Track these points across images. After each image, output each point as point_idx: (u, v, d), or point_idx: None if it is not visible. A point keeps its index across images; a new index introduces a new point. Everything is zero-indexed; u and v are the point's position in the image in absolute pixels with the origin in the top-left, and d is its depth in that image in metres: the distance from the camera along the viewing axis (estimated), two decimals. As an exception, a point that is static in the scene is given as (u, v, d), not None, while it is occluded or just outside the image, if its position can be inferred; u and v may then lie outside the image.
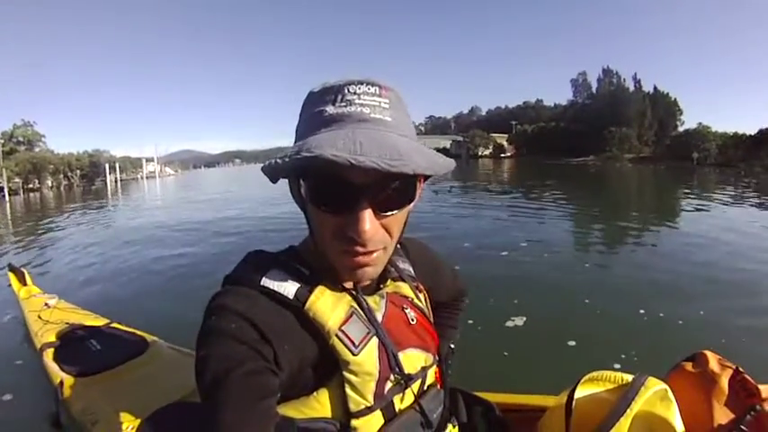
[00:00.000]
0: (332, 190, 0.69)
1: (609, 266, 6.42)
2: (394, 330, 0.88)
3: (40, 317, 3.39)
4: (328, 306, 0.80)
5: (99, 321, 3.29)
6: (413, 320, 0.93)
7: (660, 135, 49.98)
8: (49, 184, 54.19)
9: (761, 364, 2.87)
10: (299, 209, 0.80)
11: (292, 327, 0.77)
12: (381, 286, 0.93)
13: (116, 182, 56.73)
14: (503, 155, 66.71)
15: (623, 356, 3.37)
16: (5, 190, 37.47)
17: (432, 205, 14.64)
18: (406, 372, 0.87)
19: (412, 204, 0.77)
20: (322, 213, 0.72)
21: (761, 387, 1.12)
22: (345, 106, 0.69)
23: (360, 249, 0.72)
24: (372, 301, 0.88)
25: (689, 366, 1.21)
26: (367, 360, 0.80)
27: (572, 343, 3.71)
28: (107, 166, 59.10)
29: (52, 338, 2.99)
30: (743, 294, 4.70)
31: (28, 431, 2.83)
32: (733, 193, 16.69)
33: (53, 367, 2.67)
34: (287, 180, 0.81)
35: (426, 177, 0.81)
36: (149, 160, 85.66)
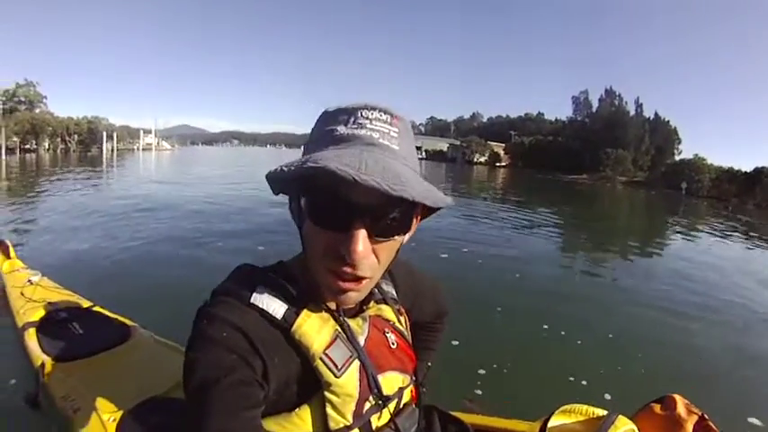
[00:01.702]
0: (331, 206, 0.70)
1: (586, 291, 6.37)
2: (375, 354, 0.90)
3: (22, 293, 3.36)
4: (314, 329, 0.81)
5: (82, 303, 3.24)
6: (393, 344, 0.97)
7: (656, 161, 50.06)
8: (46, 147, 53.97)
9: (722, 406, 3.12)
10: (296, 226, 0.81)
11: (280, 343, 0.78)
12: (365, 308, 0.95)
13: (112, 151, 56.68)
14: (498, 164, 66.87)
15: (595, 387, 3.39)
16: (3, 149, 36.46)
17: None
18: (384, 393, 0.90)
19: (406, 236, 0.79)
20: (317, 229, 0.73)
21: None
22: (356, 128, 0.71)
23: (348, 271, 0.73)
24: (356, 324, 0.90)
25: (657, 408, 1.23)
26: (348, 382, 0.82)
27: (546, 368, 3.74)
28: (104, 134, 58.56)
29: (34, 318, 2.95)
30: (710, 336, 4.74)
31: (5, 408, 2.78)
32: (720, 227, 16.78)
33: (34, 348, 2.66)
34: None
35: (423, 216, 0.84)
36: (147, 132, 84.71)
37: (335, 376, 0.81)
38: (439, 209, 0.80)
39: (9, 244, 4.25)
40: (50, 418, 2.36)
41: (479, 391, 3.34)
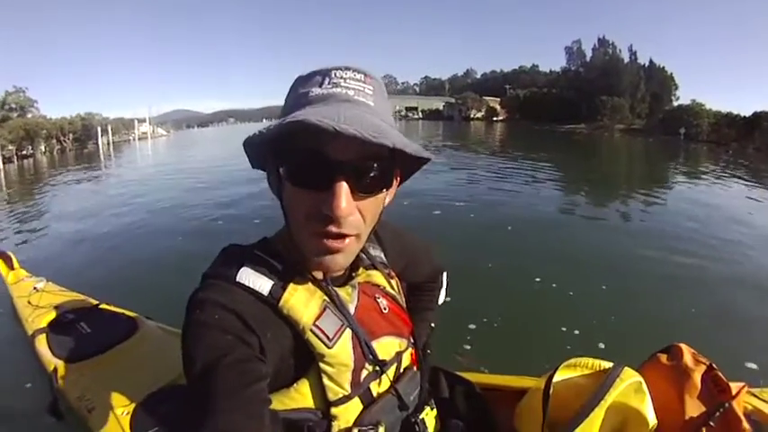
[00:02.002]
0: (311, 164, 0.70)
1: (580, 242, 6.38)
2: (367, 320, 0.90)
3: (29, 302, 3.38)
4: (302, 302, 0.81)
5: (88, 302, 3.27)
6: (385, 309, 0.96)
7: (654, 108, 49.48)
8: (42, 150, 53.15)
9: (726, 351, 3.09)
10: (277, 198, 0.80)
11: (271, 319, 0.79)
12: (354, 275, 0.95)
13: (108, 144, 56.56)
14: (495, 118, 66.61)
15: (602, 341, 3.36)
16: (0, 158, 36.19)
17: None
18: (380, 359, 0.91)
19: (387, 194, 0.80)
20: (298, 192, 0.73)
21: (731, 384, 1.15)
22: (331, 87, 0.72)
23: (333, 230, 0.72)
24: (345, 292, 0.90)
25: (663, 359, 1.24)
26: (341, 352, 0.83)
27: (552, 323, 3.71)
28: (99, 128, 58.59)
29: (43, 324, 2.97)
30: (718, 282, 4.67)
31: (29, 422, 2.79)
32: (720, 172, 16.18)
33: (46, 354, 2.67)
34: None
35: (403, 176, 0.85)
36: (141, 121, 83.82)
37: (328, 347, 0.82)
38: (419, 168, 0.85)
39: (11, 255, 4.24)
40: (69, 422, 2.38)
41: (470, 346, 3.37)
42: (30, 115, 58.52)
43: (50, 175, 24.14)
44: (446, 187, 10.61)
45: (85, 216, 9.93)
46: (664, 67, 54.69)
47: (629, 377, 1.12)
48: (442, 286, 1.44)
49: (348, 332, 0.86)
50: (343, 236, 0.75)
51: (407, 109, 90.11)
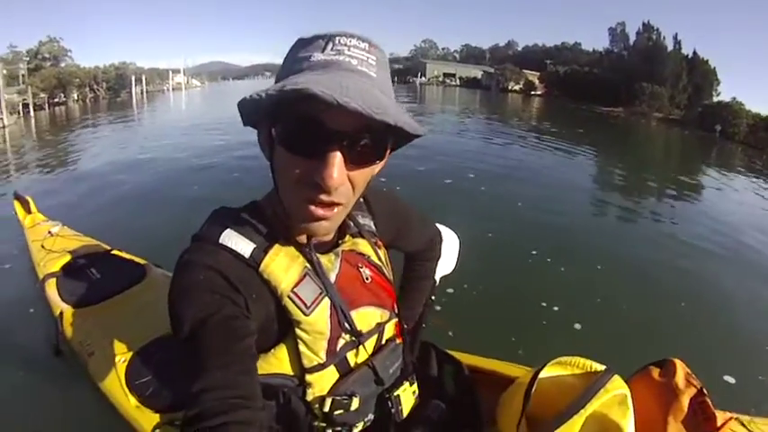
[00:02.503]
0: (306, 131, 0.70)
1: (610, 232, 6.41)
2: (347, 289, 0.93)
3: (43, 246, 3.48)
4: (282, 268, 0.84)
5: (101, 248, 3.42)
6: (367, 279, 0.99)
7: (693, 101, 48.27)
8: (75, 98, 53.12)
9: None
10: (267, 159, 0.82)
11: (255, 281, 0.83)
12: (339, 242, 0.99)
13: (142, 93, 56.83)
14: (533, 92, 65.48)
15: (602, 340, 3.36)
16: (30, 106, 36.63)
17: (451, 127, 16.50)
18: (358, 329, 0.94)
19: (379, 166, 0.82)
20: (291, 157, 0.74)
21: (718, 413, 1.17)
22: (334, 55, 0.72)
23: (323, 198, 0.74)
24: (327, 260, 0.92)
25: (656, 373, 1.24)
26: (318, 320, 0.86)
27: (555, 311, 3.75)
28: (133, 78, 58.37)
29: (54, 268, 3.08)
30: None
31: (30, 359, 2.96)
32: (754, 177, 15.47)
33: (54, 298, 2.79)
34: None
35: (393, 148, 0.85)
36: (176, 72, 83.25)
37: (305, 314, 0.84)
38: (412, 140, 0.84)
39: (30, 199, 4.38)
40: (70, 364, 2.56)
41: (466, 324, 3.34)
42: (63, 64, 58.63)
43: (81, 121, 24.73)
44: (466, 157, 10.62)
45: (108, 163, 10.22)
46: (707, 60, 53.18)
47: (616, 388, 1.11)
48: (439, 256, 1.44)
49: (326, 300, 0.88)
50: (331, 204, 0.77)
51: (445, 75, 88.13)
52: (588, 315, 3.73)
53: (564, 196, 7.97)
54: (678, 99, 49.86)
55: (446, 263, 1.63)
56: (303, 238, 0.89)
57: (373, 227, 1.10)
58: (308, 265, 0.88)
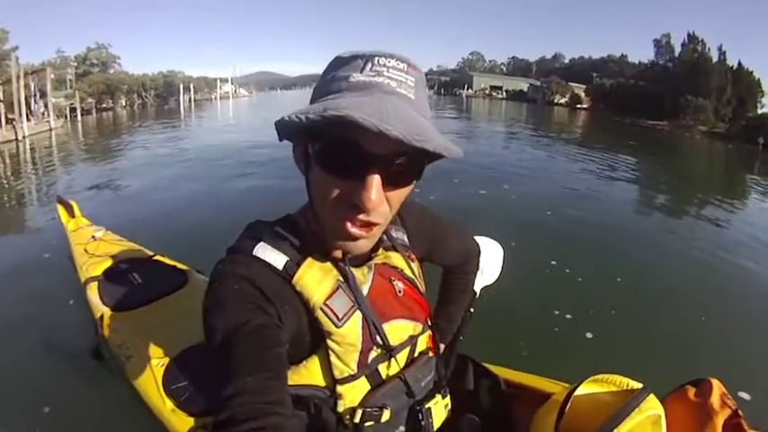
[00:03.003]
0: (345, 154, 0.72)
1: (654, 249, 6.18)
2: (380, 302, 0.95)
3: (86, 250, 3.49)
4: (315, 280, 0.86)
5: (144, 254, 3.45)
6: (400, 292, 1.00)
7: (738, 113, 47.24)
8: (123, 104, 54.93)
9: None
10: (301, 172, 0.85)
11: (288, 293, 0.85)
12: (372, 256, 1.00)
13: (189, 101, 58.11)
14: (578, 105, 65.42)
15: (643, 358, 3.29)
16: (78, 110, 37.94)
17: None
18: (390, 342, 0.96)
19: (415, 184, 0.82)
20: (329, 177, 0.75)
21: None
22: (374, 76, 0.73)
23: (361, 218, 0.77)
24: (360, 273, 0.94)
25: (691, 393, 1.18)
26: (350, 332, 0.88)
27: (595, 328, 3.72)
28: (181, 86, 59.23)
29: (97, 272, 3.10)
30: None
31: (70, 360, 3.01)
32: None
33: (95, 301, 2.82)
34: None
35: (430, 161, 0.83)
36: (224, 81, 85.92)
37: (336, 326, 0.86)
38: (445, 156, 0.78)
39: (74, 203, 4.42)
40: (108, 367, 2.64)
41: (507, 338, 3.42)
42: (111, 71, 60.17)
43: (127, 127, 25.90)
44: (511, 169, 10.97)
45: (153, 169, 10.58)
46: (752, 72, 52.05)
47: (650, 408, 1.08)
48: (476, 269, 1.43)
49: (358, 313, 0.89)
50: (369, 224, 0.78)
51: (492, 87, 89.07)
52: (629, 332, 3.76)
53: (612, 211, 8.05)
54: (723, 112, 48.91)
55: (489, 273, 1.66)
56: (337, 253, 0.90)
57: (406, 240, 1.11)
58: (340, 278, 0.89)
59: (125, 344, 2.46)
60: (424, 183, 0.88)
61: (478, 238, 1.54)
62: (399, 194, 0.80)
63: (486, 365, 1.53)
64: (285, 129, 0.77)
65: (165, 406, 2.01)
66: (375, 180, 0.73)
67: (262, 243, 0.87)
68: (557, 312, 3.97)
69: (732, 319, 4.18)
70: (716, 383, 1.16)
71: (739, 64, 53.00)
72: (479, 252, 1.42)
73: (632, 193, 10.19)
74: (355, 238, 0.80)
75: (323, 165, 0.76)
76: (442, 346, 1.38)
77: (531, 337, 3.56)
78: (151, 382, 2.13)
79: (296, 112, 0.69)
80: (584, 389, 1.20)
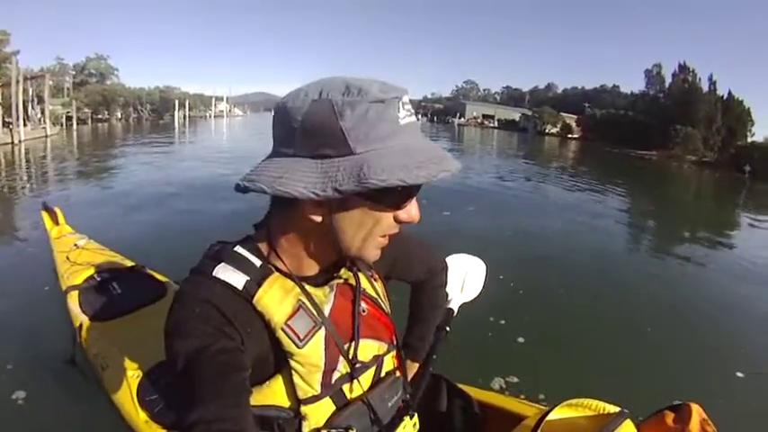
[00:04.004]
0: (410, 190, 0.77)
1: (634, 274, 6.32)
2: (342, 322, 0.94)
3: (68, 257, 3.49)
4: (275, 300, 0.84)
5: (124, 263, 3.44)
6: (363, 311, 0.99)
7: (726, 142, 47.42)
8: (118, 116, 55.50)
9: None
10: (301, 198, 0.74)
11: (250, 315, 0.82)
12: (334, 276, 0.96)
13: (184, 118, 59.35)
14: (569, 135, 65.65)
15: (620, 382, 3.24)
16: (74, 119, 38.79)
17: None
18: (354, 362, 0.94)
19: None
20: (383, 210, 0.78)
21: None
22: (410, 116, 0.76)
23: (394, 232, 0.83)
24: (321, 293, 0.92)
25: (669, 418, 1.14)
26: (312, 353, 0.86)
27: (574, 352, 3.75)
28: (176, 102, 60.46)
29: (77, 281, 3.10)
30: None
31: (47, 367, 3.04)
32: None
33: (75, 310, 2.83)
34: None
35: None
36: (219, 100, 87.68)
37: (298, 347, 0.84)
38: None
39: (58, 210, 4.43)
40: (84, 376, 2.63)
41: (483, 359, 3.42)
42: (109, 82, 61.26)
43: (121, 139, 26.15)
44: (496, 193, 11.43)
45: (141, 181, 10.80)
46: (742, 101, 52.23)
47: None
48: (445, 284, 1.42)
49: (321, 333, 0.88)
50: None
51: (484, 116, 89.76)
52: (608, 354, 3.76)
53: (587, 236, 8.15)
54: (712, 141, 49.14)
55: (470, 290, 1.64)
56: (298, 272, 0.89)
57: None
58: (302, 297, 0.88)
59: (102, 354, 2.46)
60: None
61: (462, 255, 1.63)
62: None
63: (460, 386, 1.50)
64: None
65: (138, 417, 2.02)
66: (415, 198, 0.81)
67: (222, 264, 0.85)
68: (534, 333, 3.98)
69: (716, 343, 4.22)
70: (696, 408, 1.11)
71: (729, 93, 53.35)
72: (445, 266, 1.41)
73: (612, 221, 10.20)
74: (382, 247, 0.85)
75: (378, 200, 0.76)
76: (415, 366, 1.39)
77: (505, 356, 3.59)
78: (126, 392, 2.14)
79: (397, 176, 0.68)
80: (558, 413, 1.16)
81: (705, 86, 54.77)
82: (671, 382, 3.39)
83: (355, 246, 0.82)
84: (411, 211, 0.80)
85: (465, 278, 1.59)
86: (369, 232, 0.80)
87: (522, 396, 1.81)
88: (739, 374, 3.66)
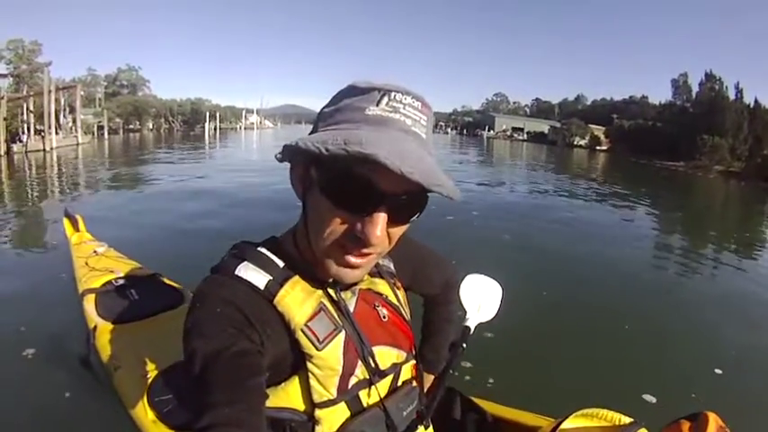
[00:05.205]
0: (358, 190, 0.71)
1: (651, 284, 6.23)
2: (362, 327, 0.92)
3: (86, 263, 3.51)
4: (297, 301, 0.84)
5: (143, 271, 3.44)
6: (384, 318, 0.98)
7: (753, 151, 46.18)
8: (150, 126, 57.43)
9: None
10: (297, 196, 0.84)
11: (270, 315, 0.82)
12: (357, 281, 0.96)
13: (215, 129, 60.58)
14: (598, 147, 65.42)
15: (641, 392, 3.25)
16: (105, 128, 40.60)
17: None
18: (372, 368, 0.93)
19: (417, 217, 0.80)
20: (334, 208, 0.74)
21: None
22: (390, 111, 0.72)
23: (362, 250, 0.77)
24: (344, 297, 0.92)
25: (686, 427, 1.12)
26: (330, 355, 0.85)
27: (590, 363, 3.72)
28: (207, 114, 61.67)
29: (95, 285, 3.11)
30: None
31: (61, 366, 3.10)
32: None
33: (91, 312, 2.83)
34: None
35: None
36: (250, 112, 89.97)
37: (317, 349, 0.84)
38: None
39: (79, 217, 4.49)
40: (96, 376, 2.69)
41: (497, 371, 3.34)
42: (140, 93, 62.93)
43: (151, 150, 26.63)
44: (521, 209, 11.29)
45: (166, 192, 10.89)
46: None
47: None
48: (458, 300, 1.41)
49: (340, 337, 0.87)
50: (367, 254, 0.79)
51: (513, 129, 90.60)
52: (622, 364, 3.71)
53: (607, 251, 7.95)
54: (739, 151, 48.07)
55: (486, 311, 1.56)
56: (322, 275, 0.87)
57: (393, 268, 1.10)
58: (323, 300, 0.88)
59: (115, 355, 2.50)
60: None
61: (480, 276, 1.59)
62: (400, 230, 0.80)
63: (474, 399, 1.50)
64: (290, 151, 0.76)
65: (146, 416, 2.03)
66: (382, 217, 0.73)
67: (245, 263, 0.85)
68: (548, 346, 3.97)
69: (737, 354, 4.14)
70: (713, 417, 1.09)
71: (756, 101, 52.46)
72: (459, 281, 1.41)
73: (633, 235, 9.93)
74: (351, 266, 0.80)
75: (330, 195, 0.74)
76: (430, 378, 1.38)
77: (519, 370, 3.54)
78: (136, 392, 2.15)
79: (312, 141, 0.69)
80: (571, 423, 1.16)
81: (732, 94, 54.13)
82: (690, 392, 3.39)
83: (321, 245, 0.80)
84: (366, 227, 0.74)
85: (482, 299, 1.53)
86: (329, 233, 0.77)
87: (536, 409, 1.75)
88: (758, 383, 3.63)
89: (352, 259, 0.79)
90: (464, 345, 1.34)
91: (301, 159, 0.79)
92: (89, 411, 2.73)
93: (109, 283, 3.16)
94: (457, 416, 1.42)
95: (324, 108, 0.81)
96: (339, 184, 0.72)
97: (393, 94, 0.73)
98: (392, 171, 0.61)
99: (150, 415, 2.03)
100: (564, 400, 2.35)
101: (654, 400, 3.17)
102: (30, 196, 10.83)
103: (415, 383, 1.08)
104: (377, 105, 0.72)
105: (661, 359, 3.91)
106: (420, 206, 0.78)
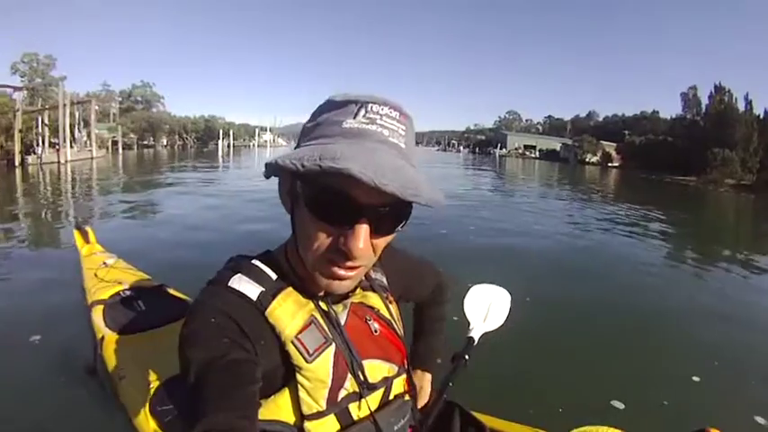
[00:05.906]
0: (337, 204, 0.71)
1: (659, 301, 6.04)
2: (353, 340, 0.92)
3: (96, 274, 3.52)
4: (288, 314, 0.84)
5: (150, 284, 3.44)
6: (376, 332, 0.98)
7: (765, 163, 46.29)
8: (164, 143, 58.38)
9: None
10: (286, 210, 0.84)
11: (263, 327, 0.83)
12: (349, 294, 0.97)
13: (228, 147, 60.48)
14: (609, 164, 65.41)
15: (644, 411, 3.23)
16: (120, 143, 41.17)
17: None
18: (363, 381, 0.92)
19: (402, 227, 0.80)
20: (317, 222, 0.75)
21: None
22: (367, 123, 0.72)
23: (346, 263, 0.77)
24: (335, 310, 0.92)
25: None
26: (320, 368, 0.85)
27: (591, 379, 3.65)
28: (221, 131, 61.92)
29: (103, 296, 3.13)
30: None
31: (67, 374, 3.16)
32: None
33: (99, 323, 2.89)
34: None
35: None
36: (263, 130, 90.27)
37: (306, 361, 0.84)
38: None
39: (90, 230, 4.54)
40: (102, 384, 2.76)
41: (498, 385, 3.29)
42: (155, 109, 63.54)
43: (164, 166, 26.86)
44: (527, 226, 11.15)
45: (176, 206, 11.00)
46: None
47: None
48: (448, 299, 1.41)
49: (330, 350, 0.87)
50: (353, 267, 0.79)
51: (526, 147, 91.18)
52: (625, 386, 3.56)
53: (614, 266, 7.96)
54: (750, 163, 47.70)
55: (494, 319, 1.59)
56: (314, 288, 0.89)
57: (385, 282, 1.10)
58: (315, 313, 0.88)
59: (120, 365, 2.50)
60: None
61: (488, 286, 1.58)
62: (385, 240, 0.80)
63: (474, 413, 1.46)
64: (273, 168, 0.77)
65: (148, 425, 2.04)
66: (363, 229, 0.73)
67: (239, 275, 0.87)
68: (553, 360, 3.93)
69: (743, 369, 4.04)
70: None
71: (766, 112, 52.26)
72: (448, 285, 1.40)
73: (640, 248, 9.93)
74: (338, 278, 0.80)
75: (313, 210, 0.75)
76: (426, 379, 1.39)
77: (523, 385, 3.51)
78: (139, 402, 2.16)
79: (290, 157, 0.69)
80: None
81: (742, 106, 53.85)
82: (697, 407, 3.34)
83: (309, 258, 0.80)
84: (349, 240, 0.73)
85: (489, 308, 1.54)
86: (315, 246, 0.77)
87: (539, 424, 1.74)
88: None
89: (340, 272, 0.79)
90: (466, 356, 1.39)
91: (287, 174, 0.80)
92: (94, 419, 2.77)
93: (117, 294, 3.21)
94: (455, 430, 1.39)
95: (306, 123, 0.82)
96: (320, 199, 0.73)
97: (370, 105, 0.74)
98: (368, 185, 0.61)
99: (152, 424, 2.05)
100: (566, 413, 2.66)
101: (657, 416, 3.18)
102: (43, 207, 11.22)
103: (407, 397, 1.07)
104: (354, 118, 0.73)
105: (671, 375, 3.86)
106: (404, 216, 0.79)
